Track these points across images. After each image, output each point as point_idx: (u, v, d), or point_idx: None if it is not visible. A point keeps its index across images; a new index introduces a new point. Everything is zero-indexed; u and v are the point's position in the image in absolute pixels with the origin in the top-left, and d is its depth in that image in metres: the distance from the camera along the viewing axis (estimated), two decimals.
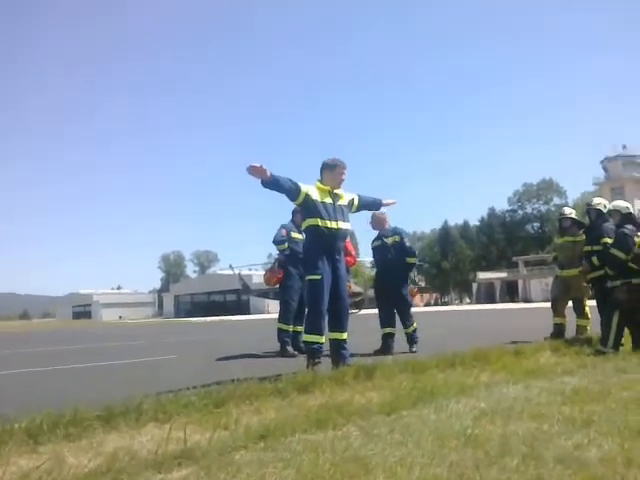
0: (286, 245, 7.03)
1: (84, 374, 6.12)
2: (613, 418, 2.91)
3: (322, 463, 2.27)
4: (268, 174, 4.57)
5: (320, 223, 4.91)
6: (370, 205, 5.69)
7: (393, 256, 7.03)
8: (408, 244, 7.12)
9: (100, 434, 2.83)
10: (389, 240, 7.08)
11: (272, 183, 4.69)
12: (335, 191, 5.12)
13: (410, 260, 7.13)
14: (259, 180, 4.63)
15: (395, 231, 7.17)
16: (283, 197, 4.92)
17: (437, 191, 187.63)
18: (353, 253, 7.03)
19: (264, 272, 7.55)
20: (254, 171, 4.53)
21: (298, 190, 4.88)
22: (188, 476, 2.18)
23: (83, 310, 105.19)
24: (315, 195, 4.97)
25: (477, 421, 2.93)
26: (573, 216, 7.80)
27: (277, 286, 7.36)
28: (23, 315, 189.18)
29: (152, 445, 2.59)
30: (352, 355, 5.24)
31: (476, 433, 2.66)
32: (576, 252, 7.42)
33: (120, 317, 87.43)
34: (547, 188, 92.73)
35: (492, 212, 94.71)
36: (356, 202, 5.40)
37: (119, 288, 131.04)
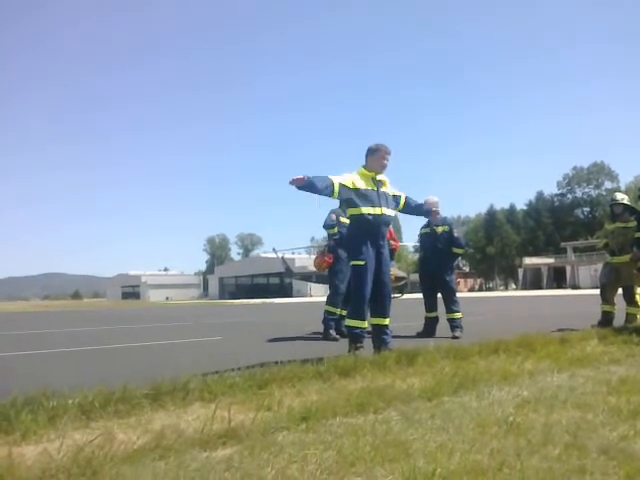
0: (336, 229, 7.08)
1: (133, 353, 6.32)
2: None
3: (362, 446, 2.30)
4: (305, 180, 4.54)
5: (364, 210, 4.92)
6: (416, 209, 5.57)
7: (442, 245, 7.15)
8: (456, 235, 7.19)
9: (148, 412, 2.93)
10: (439, 229, 7.18)
11: (307, 187, 4.60)
12: (379, 178, 5.10)
13: (456, 251, 7.29)
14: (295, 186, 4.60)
15: (445, 221, 7.32)
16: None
17: (483, 174, 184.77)
18: (394, 236, 7.07)
19: (315, 256, 7.63)
20: (295, 182, 4.53)
21: (332, 186, 4.80)
22: (232, 455, 2.25)
23: (132, 291, 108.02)
24: (358, 182, 4.96)
25: (519, 409, 2.91)
26: (625, 202, 7.56)
27: (326, 271, 7.41)
28: (74, 295, 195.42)
29: (198, 424, 2.67)
30: (395, 337, 5.26)
31: (518, 421, 2.64)
32: (627, 239, 7.22)
33: (167, 298, 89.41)
34: (598, 172, 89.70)
35: (540, 196, 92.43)
36: (402, 202, 5.39)
37: (166, 270, 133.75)
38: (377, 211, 4.97)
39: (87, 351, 6.68)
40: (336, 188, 4.84)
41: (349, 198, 4.95)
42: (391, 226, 5.80)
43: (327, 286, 7.50)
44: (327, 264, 7.25)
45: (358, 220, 4.99)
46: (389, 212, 5.10)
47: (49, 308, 38.79)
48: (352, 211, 5.00)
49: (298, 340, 7.24)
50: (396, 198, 5.31)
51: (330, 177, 4.83)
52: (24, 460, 2.20)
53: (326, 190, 4.80)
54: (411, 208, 5.51)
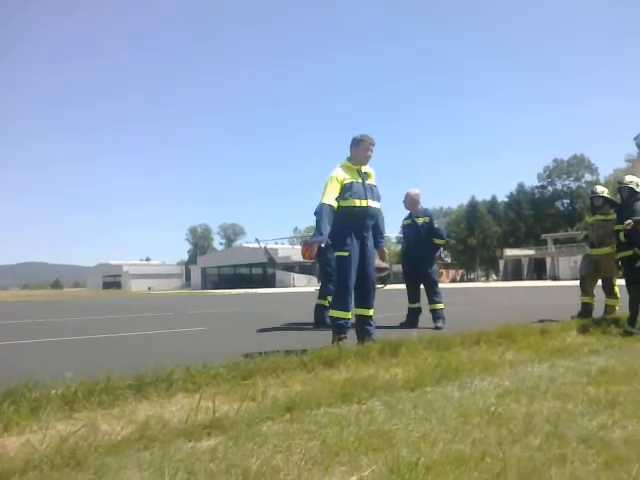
0: None
1: (116, 344, 6.27)
2: (638, 399, 2.90)
3: (346, 436, 2.32)
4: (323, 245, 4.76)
5: (350, 203, 4.93)
6: (374, 231, 5.43)
7: (422, 236, 7.18)
8: (436, 226, 7.22)
9: (132, 402, 2.92)
10: (419, 220, 7.22)
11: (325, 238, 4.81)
12: (364, 170, 5.11)
13: (437, 241, 7.33)
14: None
15: (425, 212, 7.34)
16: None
17: (465, 166, 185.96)
18: None
19: (301, 246, 7.56)
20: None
21: (334, 209, 4.89)
22: (217, 445, 2.25)
23: (113, 280, 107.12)
24: (344, 178, 4.96)
25: (501, 399, 2.95)
26: (605, 194, 7.64)
27: (312, 261, 7.36)
28: (55, 284, 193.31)
29: (182, 414, 2.67)
30: (378, 328, 5.28)
31: (500, 411, 2.68)
32: (607, 231, 7.30)
33: (149, 288, 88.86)
34: (578, 164, 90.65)
35: (521, 188, 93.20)
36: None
37: (148, 259, 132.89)
38: (363, 203, 4.99)
39: (70, 341, 6.62)
40: (335, 206, 4.92)
41: (340, 195, 4.97)
42: None
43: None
44: (309, 253, 7.14)
45: (344, 211, 5.00)
46: (375, 204, 5.12)
47: (30, 298, 38.36)
48: (342, 202, 4.99)
49: (282, 330, 7.24)
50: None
51: (327, 204, 4.85)
52: (6, 451, 2.19)
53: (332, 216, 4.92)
54: (376, 227, 5.41)
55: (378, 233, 5.48)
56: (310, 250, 6.13)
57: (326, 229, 4.75)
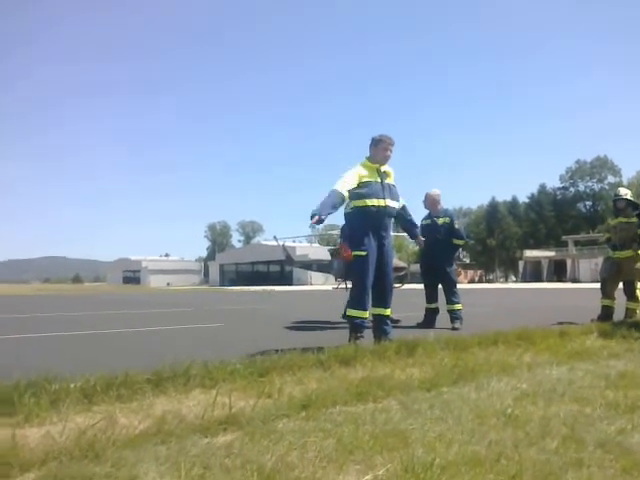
0: None
1: (135, 338, 6.33)
2: None
3: (362, 435, 2.32)
4: (319, 218, 4.61)
5: (368, 202, 4.94)
6: (407, 225, 5.72)
7: (442, 236, 7.15)
8: (457, 226, 7.19)
9: (150, 397, 2.95)
10: (439, 220, 7.20)
11: (324, 216, 4.67)
12: (383, 169, 5.11)
13: (457, 242, 7.30)
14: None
15: (446, 213, 7.33)
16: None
17: (486, 166, 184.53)
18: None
19: (340, 247, 7.09)
20: (315, 222, 4.66)
21: (342, 197, 4.82)
22: (233, 441, 2.27)
23: (132, 275, 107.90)
24: (363, 175, 4.96)
25: (518, 401, 2.93)
26: (628, 197, 7.55)
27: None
28: (75, 279, 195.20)
29: (199, 410, 2.69)
30: (395, 327, 5.27)
31: (516, 413, 2.66)
32: (630, 234, 7.23)
33: (168, 284, 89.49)
34: (601, 166, 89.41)
35: (543, 189, 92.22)
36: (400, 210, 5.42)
37: (167, 255, 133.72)
38: (381, 203, 4.99)
39: (89, 335, 6.70)
40: (346, 196, 4.85)
41: (355, 192, 4.95)
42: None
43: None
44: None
45: (361, 211, 5.00)
46: (393, 204, 5.11)
47: (50, 291, 38.85)
48: (357, 203, 5.01)
49: (298, 328, 7.26)
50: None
51: (337, 190, 4.79)
52: (27, 442, 2.22)
53: (339, 204, 4.84)
54: (405, 222, 5.64)
55: (413, 225, 5.72)
56: (347, 249, 5.97)
57: (325, 209, 4.64)
